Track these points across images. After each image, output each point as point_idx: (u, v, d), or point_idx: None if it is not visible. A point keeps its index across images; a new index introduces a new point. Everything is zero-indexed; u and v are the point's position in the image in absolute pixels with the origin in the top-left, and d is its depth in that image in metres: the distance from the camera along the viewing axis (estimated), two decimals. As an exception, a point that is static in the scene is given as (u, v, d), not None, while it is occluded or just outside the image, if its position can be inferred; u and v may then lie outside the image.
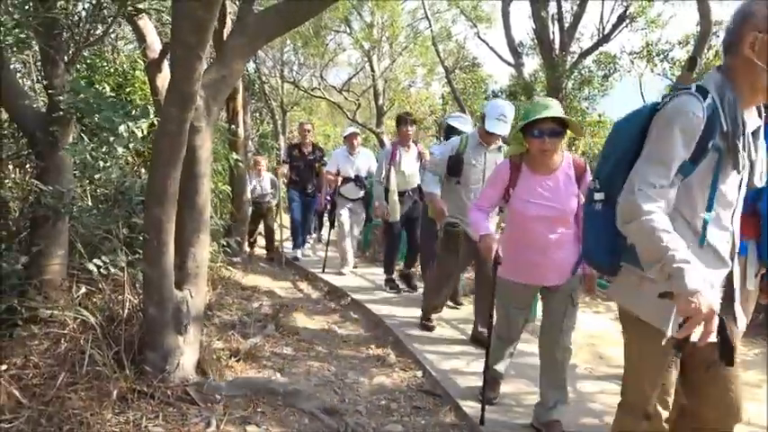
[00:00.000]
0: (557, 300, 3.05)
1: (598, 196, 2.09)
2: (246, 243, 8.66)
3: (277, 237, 8.56)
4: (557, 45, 8.86)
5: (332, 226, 7.86)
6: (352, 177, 7.12)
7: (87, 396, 2.74)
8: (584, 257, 2.34)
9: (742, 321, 2.09)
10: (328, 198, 8.01)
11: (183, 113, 2.68)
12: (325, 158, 8.33)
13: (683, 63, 9.60)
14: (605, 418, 3.37)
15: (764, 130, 2.63)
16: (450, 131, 5.46)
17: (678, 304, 1.72)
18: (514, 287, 3.07)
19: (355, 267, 7.44)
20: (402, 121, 6.16)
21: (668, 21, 9.81)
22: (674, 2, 9.73)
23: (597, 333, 4.85)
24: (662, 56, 9.55)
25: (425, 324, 4.82)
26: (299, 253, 8.35)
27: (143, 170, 4.88)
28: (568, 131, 3.00)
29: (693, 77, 7.97)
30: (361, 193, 7.22)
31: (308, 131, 8.31)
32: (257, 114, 17.68)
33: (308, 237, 8.99)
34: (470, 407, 3.38)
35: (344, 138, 7.46)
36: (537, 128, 2.83)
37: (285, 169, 8.54)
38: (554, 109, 2.84)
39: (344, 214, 7.17)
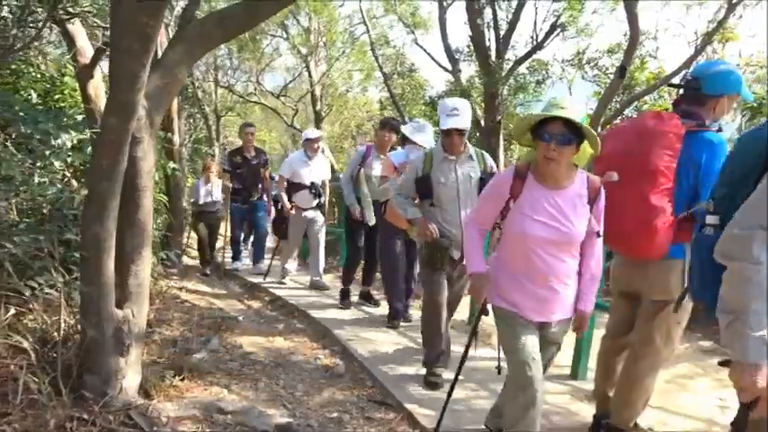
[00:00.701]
0: (546, 343, 2.66)
1: (711, 219, 1.81)
2: (200, 259, 8.12)
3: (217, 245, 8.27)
4: (493, 52, 9.09)
5: (281, 236, 7.29)
6: (307, 184, 6.62)
7: (22, 427, 2.54)
8: (691, 293, 2.02)
9: None
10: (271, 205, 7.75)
11: (125, 124, 2.55)
12: (269, 163, 7.88)
13: (607, 69, 10.07)
14: (552, 417, 3.45)
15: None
16: (406, 139, 5.03)
17: (732, 373, 1.55)
18: (518, 319, 2.54)
19: (325, 289, 6.74)
20: (384, 125, 5.71)
21: (596, 30, 10.28)
22: (601, 13, 10.17)
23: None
24: (592, 63, 9.98)
25: (430, 381, 3.81)
26: (239, 264, 8.01)
27: (74, 182, 4.63)
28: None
29: (623, 84, 8.43)
30: (316, 202, 6.73)
31: (252, 134, 7.72)
32: (191, 120, 17.22)
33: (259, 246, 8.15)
34: (423, 415, 3.39)
35: (306, 140, 6.85)
36: (546, 130, 2.38)
37: (227, 181, 7.68)
38: (569, 111, 2.36)
39: (295, 231, 6.80)
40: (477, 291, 2.63)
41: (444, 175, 3.74)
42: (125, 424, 2.81)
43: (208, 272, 7.79)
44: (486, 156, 3.95)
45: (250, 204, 7.65)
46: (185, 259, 8.25)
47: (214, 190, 8.03)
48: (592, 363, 3.85)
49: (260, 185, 7.72)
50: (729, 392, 3.87)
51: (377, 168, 5.57)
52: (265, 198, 7.85)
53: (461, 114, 3.66)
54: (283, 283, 6.86)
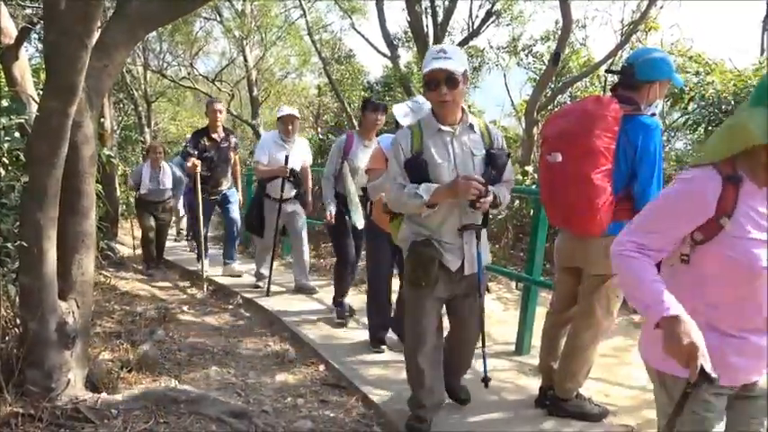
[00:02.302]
0: (748, 419, 1.81)
1: None
2: (143, 256, 7.17)
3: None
4: (431, 38, 9.18)
5: (259, 233, 5.99)
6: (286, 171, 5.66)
7: (-37, 426, 2.43)
8: None
9: None
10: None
11: (67, 107, 2.43)
12: (239, 146, 6.86)
13: (542, 55, 10.36)
14: (501, 393, 3.59)
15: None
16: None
17: None
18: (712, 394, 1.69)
19: (314, 292, 5.87)
20: (376, 107, 4.72)
21: (530, 17, 10.56)
22: (534, 1, 10.46)
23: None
24: (526, 51, 10.25)
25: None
26: (207, 265, 6.62)
27: (1, 170, 4.38)
28: None
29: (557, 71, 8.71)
30: (294, 192, 5.82)
31: (220, 112, 6.56)
32: (120, 105, 16.51)
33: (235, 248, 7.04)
34: (377, 395, 3.45)
35: (279, 119, 5.82)
36: None
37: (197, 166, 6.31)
38: None
39: (270, 223, 5.77)
40: (687, 349, 1.51)
41: (440, 153, 2.78)
42: (74, 418, 2.72)
43: (151, 271, 7.06)
44: (493, 128, 2.99)
45: (219, 195, 6.66)
46: (120, 249, 7.94)
47: (163, 177, 6.98)
48: (535, 339, 4.02)
49: (229, 175, 6.73)
50: (660, 361, 4.15)
51: (363, 159, 4.62)
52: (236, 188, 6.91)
53: (452, 57, 2.69)
54: (259, 287, 5.99)
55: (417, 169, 2.76)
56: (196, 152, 6.36)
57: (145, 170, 7.01)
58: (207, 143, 6.44)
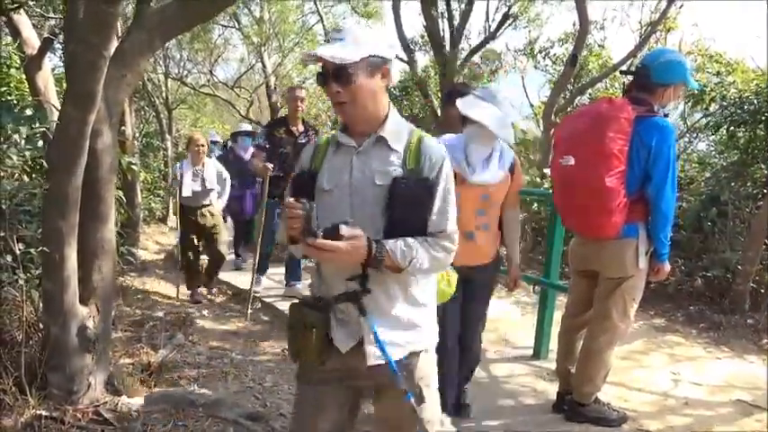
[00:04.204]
0: None
1: None
2: (185, 274, 6.07)
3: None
4: (447, 42, 9.18)
5: None
6: None
7: (-12, 428, 2.49)
8: None
9: None
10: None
11: (86, 115, 2.48)
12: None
13: (559, 58, 10.29)
14: (519, 397, 3.58)
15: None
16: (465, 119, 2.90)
17: None
18: None
19: None
20: (456, 97, 3.08)
21: (547, 20, 10.52)
22: (552, 2, 10.39)
23: (499, 317, 4.99)
24: (544, 53, 10.20)
25: None
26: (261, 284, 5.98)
27: (25, 177, 4.49)
28: None
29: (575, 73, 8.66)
30: None
31: (302, 101, 5.56)
32: (141, 113, 16.74)
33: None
34: (394, 399, 3.44)
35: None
36: None
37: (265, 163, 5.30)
38: None
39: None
40: None
41: (333, 177, 1.80)
42: (95, 421, 2.77)
43: (200, 299, 6.01)
44: (430, 147, 1.77)
45: None
46: (142, 254, 8.05)
47: (207, 175, 5.90)
48: (553, 343, 3.99)
49: None
50: (682, 367, 4.10)
51: None
52: None
53: (345, 38, 1.71)
54: None
55: (307, 190, 1.79)
56: (268, 145, 5.39)
57: (186, 167, 5.90)
58: (283, 136, 5.46)
